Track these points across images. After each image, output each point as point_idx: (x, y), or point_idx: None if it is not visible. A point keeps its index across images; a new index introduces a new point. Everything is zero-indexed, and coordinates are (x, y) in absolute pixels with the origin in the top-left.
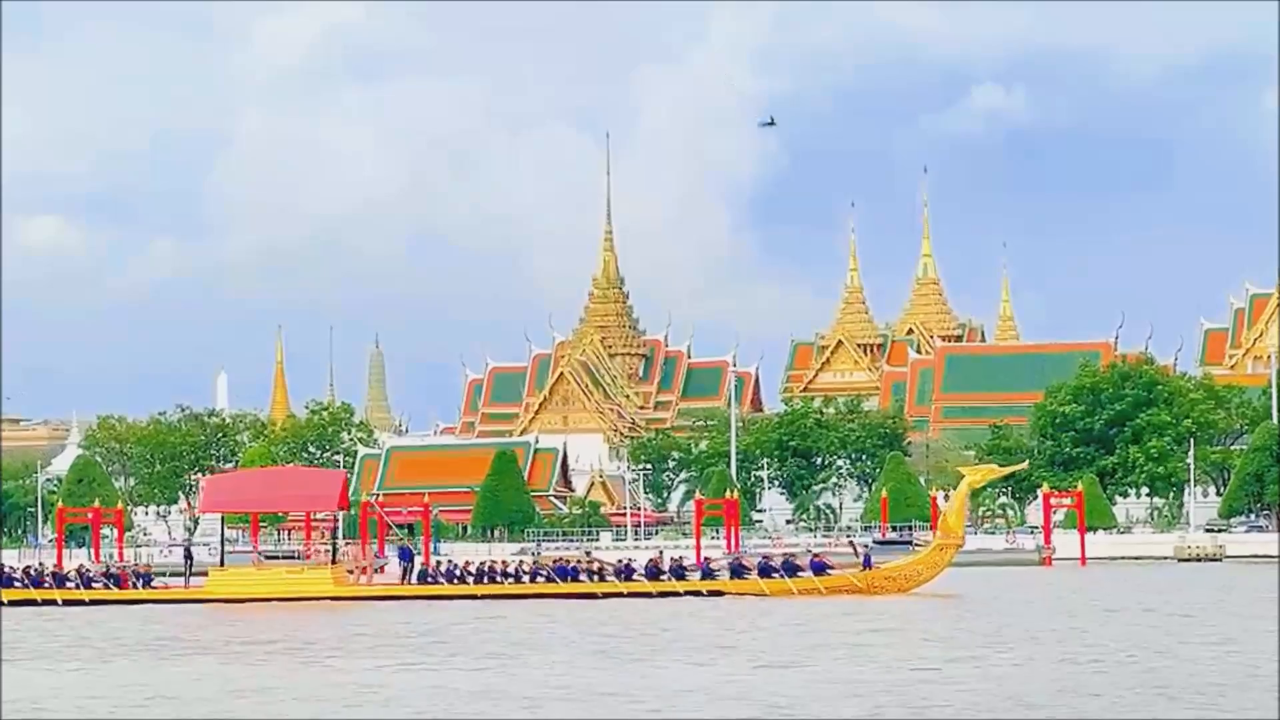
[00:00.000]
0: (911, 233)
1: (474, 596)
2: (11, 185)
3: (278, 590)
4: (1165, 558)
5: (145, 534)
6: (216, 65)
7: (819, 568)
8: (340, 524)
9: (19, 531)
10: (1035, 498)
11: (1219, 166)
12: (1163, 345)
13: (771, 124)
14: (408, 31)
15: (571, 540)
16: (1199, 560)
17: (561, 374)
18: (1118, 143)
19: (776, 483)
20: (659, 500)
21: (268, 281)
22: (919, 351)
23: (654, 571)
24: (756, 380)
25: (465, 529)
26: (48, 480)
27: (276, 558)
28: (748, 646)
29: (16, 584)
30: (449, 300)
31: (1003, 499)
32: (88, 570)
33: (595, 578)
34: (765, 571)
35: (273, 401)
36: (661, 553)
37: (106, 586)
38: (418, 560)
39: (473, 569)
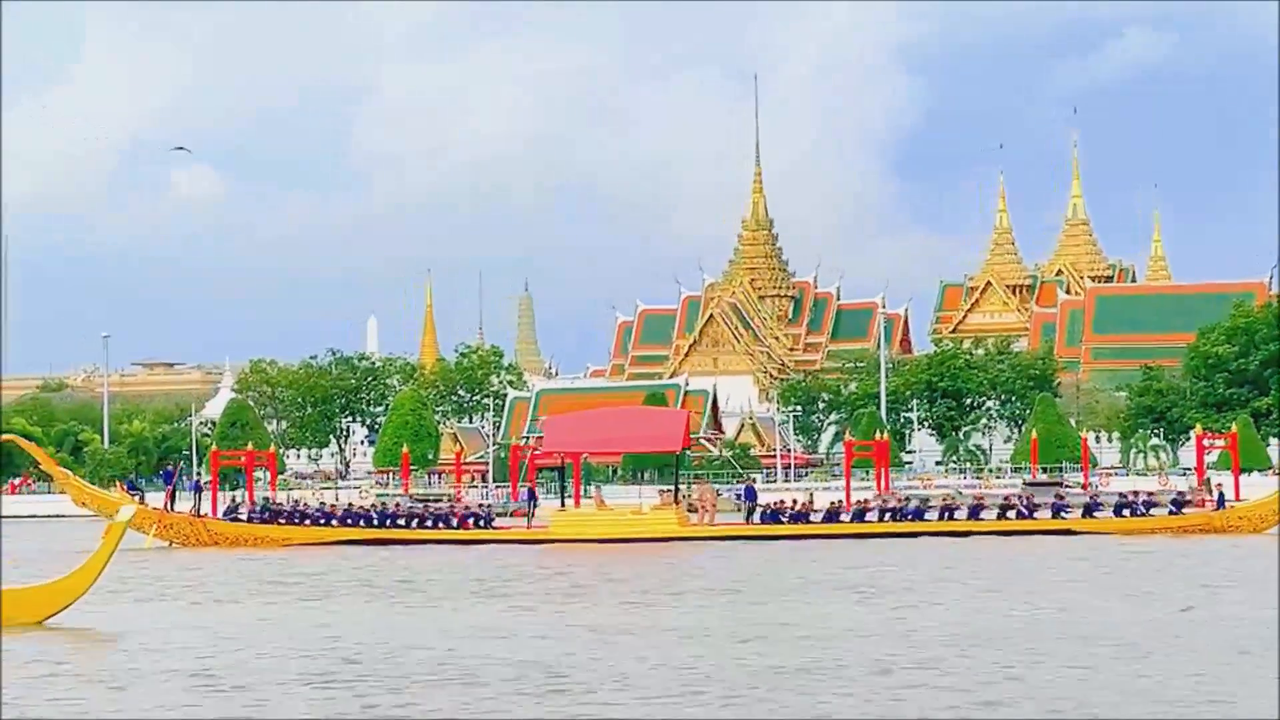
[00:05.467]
0: (1060, 174)
1: (822, 536)
2: (162, 135)
3: (622, 531)
4: None
5: (297, 477)
6: (358, 17)
7: (1178, 505)
8: (491, 467)
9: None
10: (1188, 439)
11: None
12: None
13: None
14: None
15: (724, 483)
16: None
17: (711, 316)
18: (1270, 83)
19: (926, 424)
20: (809, 442)
21: (416, 229)
22: (1068, 292)
23: (1003, 510)
24: (905, 322)
25: (615, 471)
26: (201, 424)
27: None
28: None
29: (350, 523)
30: (598, 244)
31: (1155, 440)
32: (421, 510)
33: (945, 516)
34: (1120, 510)
35: (422, 345)
36: (812, 495)
37: (444, 526)
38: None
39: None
